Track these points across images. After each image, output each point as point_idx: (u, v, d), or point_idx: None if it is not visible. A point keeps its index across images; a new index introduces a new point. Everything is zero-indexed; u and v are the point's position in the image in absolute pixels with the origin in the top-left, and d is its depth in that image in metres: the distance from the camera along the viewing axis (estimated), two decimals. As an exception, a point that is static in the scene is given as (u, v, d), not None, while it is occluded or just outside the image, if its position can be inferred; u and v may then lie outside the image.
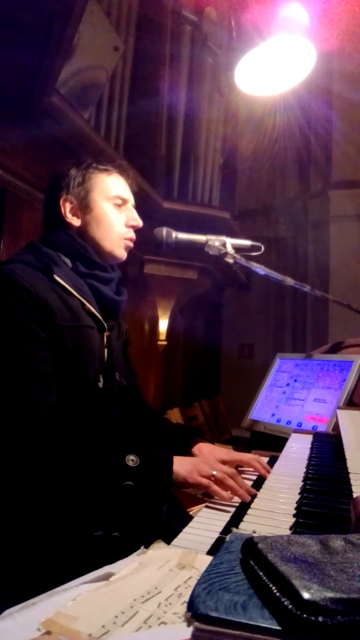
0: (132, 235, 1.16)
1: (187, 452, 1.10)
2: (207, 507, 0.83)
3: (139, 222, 1.16)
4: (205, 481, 0.87)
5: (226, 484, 0.87)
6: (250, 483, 0.92)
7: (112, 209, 1.12)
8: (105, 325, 1.09)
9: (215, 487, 0.86)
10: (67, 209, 1.10)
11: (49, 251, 1.06)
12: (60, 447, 0.87)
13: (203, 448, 1.10)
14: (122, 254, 1.15)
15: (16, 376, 0.90)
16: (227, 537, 0.44)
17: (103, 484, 0.85)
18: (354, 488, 0.71)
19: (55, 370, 0.96)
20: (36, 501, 0.90)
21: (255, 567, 0.35)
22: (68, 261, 1.07)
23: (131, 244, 1.17)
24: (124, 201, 1.14)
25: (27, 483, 0.88)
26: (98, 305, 1.08)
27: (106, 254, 1.12)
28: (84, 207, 1.10)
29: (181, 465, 0.89)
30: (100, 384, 1.06)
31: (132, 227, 1.15)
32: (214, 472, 0.88)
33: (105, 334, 1.09)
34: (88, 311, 1.05)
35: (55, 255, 1.05)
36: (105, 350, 1.09)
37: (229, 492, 0.86)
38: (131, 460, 0.86)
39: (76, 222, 1.11)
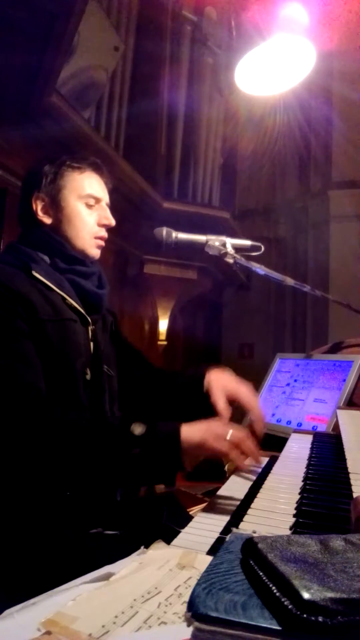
0: (104, 234, 1.15)
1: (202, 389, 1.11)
2: (207, 507, 0.82)
3: (112, 222, 1.15)
4: (221, 448, 0.84)
5: (242, 447, 0.85)
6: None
7: (83, 208, 1.11)
8: (89, 319, 1.08)
9: (234, 454, 0.84)
10: (38, 206, 1.10)
11: (26, 250, 1.06)
12: (62, 423, 0.86)
13: (212, 380, 1.11)
14: (94, 253, 1.15)
15: (7, 359, 0.90)
16: (227, 537, 0.44)
17: (110, 454, 0.84)
18: (354, 488, 0.71)
19: (42, 364, 0.96)
20: (41, 483, 0.90)
21: (255, 567, 0.35)
22: (46, 258, 1.07)
23: (103, 243, 1.16)
24: (97, 200, 1.13)
25: (30, 464, 0.87)
26: (80, 299, 1.08)
27: (78, 252, 1.12)
28: (55, 205, 1.10)
29: (195, 430, 0.86)
30: (88, 377, 1.05)
31: (105, 226, 1.15)
32: (228, 436, 0.85)
33: (89, 328, 1.09)
34: (70, 305, 1.05)
35: (33, 253, 1.06)
36: (91, 343, 1.09)
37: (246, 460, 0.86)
38: (137, 429, 0.84)
39: (47, 220, 1.10)
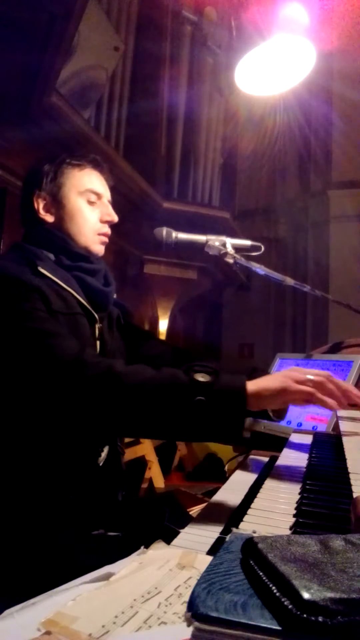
0: (107, 230, 1.14)
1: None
2: (207, 506, 0.82)
3: (114, 218, 1.14)
4: (306, 388, 0.82)
5: (327, 388, 0.83)
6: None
7: (85, 204, 1.10)
8: (96, 316, 1.07)
9: (320, 395, 0.82)
10: (40, 205, 1.09)
11: (31, 248, 1.05)
12: (130, 372, 0.84)
13: None
14: (98, 250, 1.14)
15: (46, 324, 0.90)
16: (227, 537, 0.44)
17: (172, 400, 0.80)
18: (354, 488, 0.71)
19: None
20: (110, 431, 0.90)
21: (255, 567, 0.35)
22: (51, 256, 1.06)
23: (106, 239, 1.15)
24: (98, 196, 1.12)
25: (104, 415, 0.84)
26: (86, 296, 1.07)
27: (82, 249, 1.11)
28: (56, 203, 1.09)
29: (271, 379, 0.84)
30: None
31: (107, 222, 1.14)
32: (310, 377, 0.83)
33: (96, 326, 1.08)
34: (78, 302, 1.04)
35: (37, 251, 1.05)
36: (98, 342, 1.08)
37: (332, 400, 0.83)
38: (201, 377, 0.81)
39: (50, 218, 1.09)
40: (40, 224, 1.09)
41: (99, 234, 1.13)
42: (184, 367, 0.86)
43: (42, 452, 0.94)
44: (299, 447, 1.09)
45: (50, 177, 1.09)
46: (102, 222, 1.13)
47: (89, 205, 1.11)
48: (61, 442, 0.95)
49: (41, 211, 1.09)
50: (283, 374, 0.85)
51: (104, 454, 1.04)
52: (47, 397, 0.87)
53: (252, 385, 0.83)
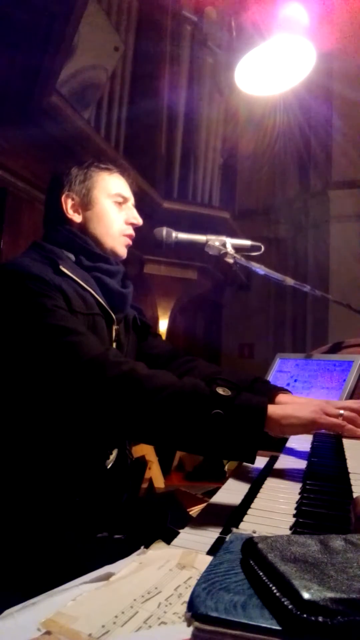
0: (132, 232, 1.17)
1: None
2: (207, 506, 0.82)
3: (139, 221, 1.17)
4: (336, 421, 0.83)
5: (358, 423, 0.85)
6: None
7: (112, 206, 1.13)
8: (114, 317, 1.08)
9: (350, 426, 0.84)
10: (68, 205, 1.11)
11: (52, 248, 1.06)
12: (152, 375, 0.84)
13: (285, 400, 1.04)
14: (122, 251, 1.16)
15: (71, 324, 0.90)
16: (227, 537, 0.44)
17: (190, 409, 0.79)
18: (354, 488, 0.71)
19: None
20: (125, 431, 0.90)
21: (255, 567, 0.35)
22: (72, 256, 1.08)
23: (130, 242, 1.17)
24: (125, 199, 1.16)
25: (126, 415, 0.84)
26: (105, 298, 1.07)
27: (107, 250, 1.13)
28: (85, 204, 1.11)
29: (300, 408, 0.84)
30: None
31: (132, 224, 1.16)
32: (342, 412, 0.85)
33: (113, 328, 1.09)
34: (97, 302, 1.04)
35: (58, 251, 1.06)
36: (114, 344, 1.09)
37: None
38: (222, 390, 0.81)
39: (77, 218, 1.11)
40: (65, 224, 1.11)
41: (124, 235, 1.15)
42: (207, 379, 0.86)
43: (51, 453, 0.94)
44: (299, 447, 1.09)
45: (80, 180, 1.12)
46: (128, 224, 1.16)
47: (116, 206, 1.14)
48: (71, 444, 0.95)
49: (69, 211, 1.11)
50: (315, 404, 0.86)
51: (112, 457, 1.04)
52: (67, 395, 0.87)
53: (277, 409, 0.83)
